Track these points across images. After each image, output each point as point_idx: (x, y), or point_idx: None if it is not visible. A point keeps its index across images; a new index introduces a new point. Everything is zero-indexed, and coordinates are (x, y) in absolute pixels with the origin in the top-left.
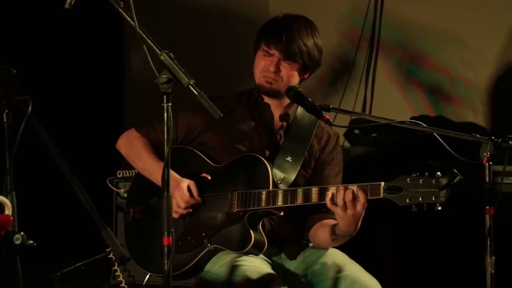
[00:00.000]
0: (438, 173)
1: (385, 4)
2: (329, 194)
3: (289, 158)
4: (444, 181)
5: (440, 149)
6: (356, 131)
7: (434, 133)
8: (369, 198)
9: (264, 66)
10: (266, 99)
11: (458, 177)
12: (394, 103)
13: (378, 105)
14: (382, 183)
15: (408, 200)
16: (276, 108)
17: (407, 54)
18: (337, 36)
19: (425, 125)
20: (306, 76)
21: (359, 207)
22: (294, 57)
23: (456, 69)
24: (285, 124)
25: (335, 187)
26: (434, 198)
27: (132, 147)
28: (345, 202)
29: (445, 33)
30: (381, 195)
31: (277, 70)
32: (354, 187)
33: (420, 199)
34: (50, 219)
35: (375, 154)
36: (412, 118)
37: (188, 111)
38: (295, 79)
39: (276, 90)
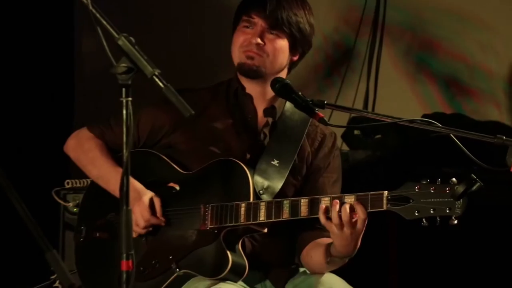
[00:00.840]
0: (453, 179)
1: None
2: (322, 207)
3: (275, 162)
4: (460, 189)
5: (458, 153)
6: (356, 132)
7: (450, 134)
8: (369, 210)
9: (245, 40)
10: (249, 89)
11: (478, 184)
12: (401, 98)
13: (382, 101)
14: (385, 193)
15: (417, 212)
16: (260, 100)
17: (417, 39)
18: (333, 18)
19: (439, 125)
20: (296, 57)
21: (359, 224)
22: (281, 26)
23: (475, 56)
24: (270, 120)
25: (329, 198)
26: (449, 210)
27: (84, 150)
28: (341, 218)
29: (462, 14)
30: (384, 207)
31: (261, 42)
32: (351, 198)
33: (432, 212)
34: None
35: (379, 160)
36: (424, 116)
37: (153, 107)
38: (283, 56)
39: (260, 68)
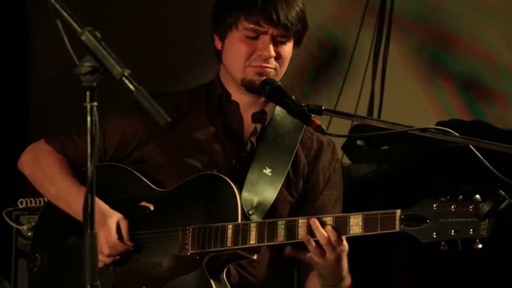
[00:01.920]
0: (477, 196)
1: None
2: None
3: (267, 171)
4: (486, 207)
5: (478, 167)
6: (359, 142)
7: (470, 145)
8: (380, 232)
9: (250, 51)
10: (236, 96)
11: (506, 202)
12: (412, 102)
13: (390, 106)
14: (398, 211)
15: (436, 234)
16: (247, 107)
17: (431, 32)
18: (330, 8)
19: (457, 134)
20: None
21: (338, 247)
22: (293, 30)
23: (501, 53)
24: (259, 127)
25: (332, 217)
26: (473, 231)
27: (41, 166)
28: (318, 239)
29: (485, 3)
30: (397, 228)
31: (275, 54)
32: (358, 218)
33: (453, 233)
34: None
35: (386, 175)
36: (439, 123)
37: (122, 114)
38: (289, 59)
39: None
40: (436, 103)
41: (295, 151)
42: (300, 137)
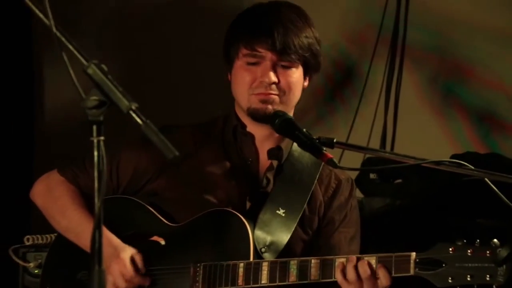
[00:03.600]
0: (495, 240)
1: None
2: (339, 266)
3: (280, 212)
4: (504, 252)
5: (494, 201)
6: (372, 176)
7: (485, 179)
8: (394, 275)
9: (252, 79)
10: (251, 127)
11: None
12: (426, 134)
13: (403, 138)
14: (413, 254)
15: (451, 279)
16: (263, 140)
17: (444, 64)
18: (341, 38)
19: (472, 167)
20: (306, 82)
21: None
22: (294, 55)
23: None
24: (275, 163)
25: (345, 259)
26: (489, 277)
27: (53, 197)
28: (360, 277)
29: (500, 33)
30: (411, 272)
31: (276, 79)
32: (372, 259)
33: (469, 279)
34: None
35: (400, 209)
36: (453, 156)
37: (134, 147)
38: (299, 88)
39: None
40: (450, 135)
41: (312, 188)
42: (318, 174)
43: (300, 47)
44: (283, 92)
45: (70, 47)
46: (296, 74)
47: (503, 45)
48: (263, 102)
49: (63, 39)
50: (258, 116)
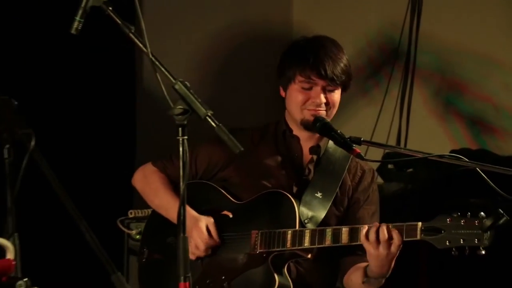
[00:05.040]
0: (482, 213)
1: (421, 25)
2: (363, 230)
3: (318, 194)
4: (488, 222)
5: (483, 185)
6: (390, 166)
7: (477, 168)
8: (405, 239)
9: (305, 99)
10: (296, 131)
11: (504, 218)
12: (432, 135)
13: (414, 137)
14: (419, 224)
15: (448, 242)
16: (306, 141)
17: (446, 81)
18: (368, 60)
19: (467, 159)
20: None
21: (393, 248)
22: (338, 81)
23: (500, 97)
24: (315, 157)
25: (368, 228)
26: (477, 241)
27: (148, 182)
28: (379, 239)
29: (488, 57)
30: (418, 237)
31: (326, 100)
32: (389, 226)
33: (462, 242)
34: (57, 263)
35: (411, 191)
36: (452, 151)
37: (209, 144)
38: (338, 103)
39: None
40: (450, 135)
41: (343, 176)
42: (348, 165)
43: (342, 74)
44: (329, 108)
45: (162, 68)
46: (338, 94)
47: (490, 68)
48: (313, 116)
49: (156, 63)
50: (308, 126)
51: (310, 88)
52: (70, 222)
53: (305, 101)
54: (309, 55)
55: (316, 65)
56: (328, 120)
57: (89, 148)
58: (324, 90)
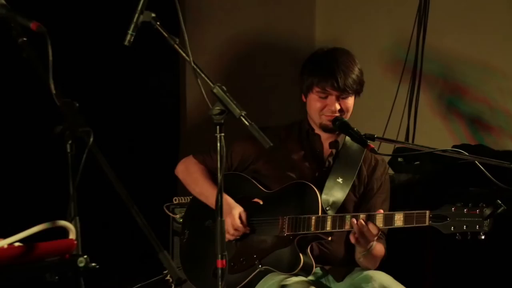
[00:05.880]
0: (482, 203)
1: (427, 37)
2: (377, 217)
3: (339, 180)
4: (488, 211)
5: (481, 176)
6: (399, 159)
7: (475, 161)
8: (415, 225)
9: (322, 106)
10: (317, 130)
11: (502, 208)
12: (436, 132)
13: (420, 135)
14: (428, 212)
15: (453, 228)
16: (326, 138)
17: (448, 85)
18: (380, 68)
19: (466, 153)
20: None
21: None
22: (350, 90)
23: (495, 99)
24: (334, 151)
25: (382, 215)
26: (478, 227)
27: (190, 172)
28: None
29: (485, 65)
30: (427, 223)
31: (340, 107)
32: (400, 215)
33: (465, 228)
34: (112, 243)
35: (418, 181)
36: (454, 146)
37: (242, 141)
38: (352, 108)
39: None
40: (452, 132)
41: (359, 166)
42: (363, 157)
43: (353, 84)
44: (343, 113)
45: (203, 75)
46: (351, 101)
47: (486, 74)
48: (329, 121)
49: (198, 70)
50: (327, 129)
51: (326, 97)
52: (123, 208)
53: (322, 108)
54: (324, 68)
55: (330, 78)
56: (345, 119)
57: (139, 144)
58: (338, 99)
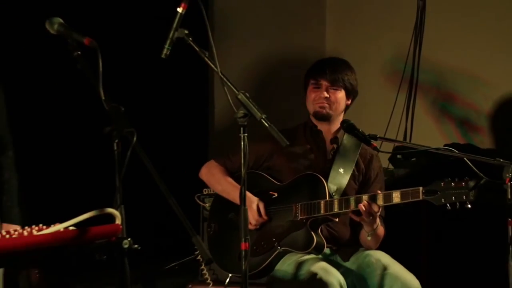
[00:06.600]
0: (467, 177)
1: (422, 51)
2: (379, 196)
3: (341, 170)
4: (472, 183)
5: (469, 171)
6: (398, 156)
7: (464, 158)
8: (410, 200)
9: (315, 95)
10: (319, 126)
11: (484, 179)
12: (430, 133)
13: (417, 135)
14: (421, 188)
15: (443, 200)
16: (327, 134)
17: (441, 93)
18: (381, 78)
19: (457, 151)
20: (349, 101)
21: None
22: (338, 83)
23: (481, 105)
24: (335, 146)
25: (382, 194)
26: (465, 197)
27: (212, 174)
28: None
29: (473, 76)
30: (421, 197)
31: (328, 95)
32: (397, 193)
33: (453, 199)
34: (152, 228)
35: (415, 175)
36: (446, 145)
37: (256, 143)
38: (342, 102)
39: (330, 113)
40: (444, 133)
41: (357, 158)
42: (359, 151)
43: (342, 79)
44: (332, 103)
45: (228, 83)
46: (340, 94)
47: (474, 83)
48: (320, 108)
49: (224, 79)
50: (318, 116)
51: (318, 87)
52: (161, 198)
53: (316, 97)
54: (318, 64)
55: (322, 69)
56: (333, 114)
57: (175, 143)
58: (328, 89)
